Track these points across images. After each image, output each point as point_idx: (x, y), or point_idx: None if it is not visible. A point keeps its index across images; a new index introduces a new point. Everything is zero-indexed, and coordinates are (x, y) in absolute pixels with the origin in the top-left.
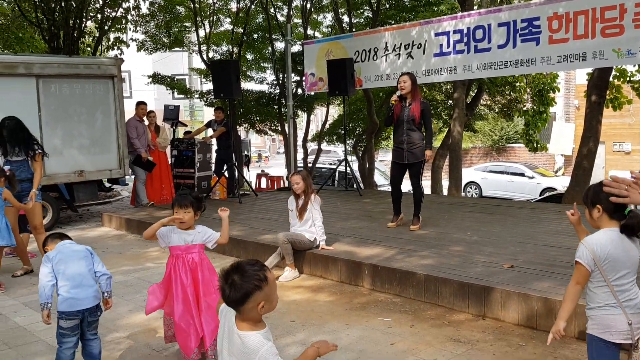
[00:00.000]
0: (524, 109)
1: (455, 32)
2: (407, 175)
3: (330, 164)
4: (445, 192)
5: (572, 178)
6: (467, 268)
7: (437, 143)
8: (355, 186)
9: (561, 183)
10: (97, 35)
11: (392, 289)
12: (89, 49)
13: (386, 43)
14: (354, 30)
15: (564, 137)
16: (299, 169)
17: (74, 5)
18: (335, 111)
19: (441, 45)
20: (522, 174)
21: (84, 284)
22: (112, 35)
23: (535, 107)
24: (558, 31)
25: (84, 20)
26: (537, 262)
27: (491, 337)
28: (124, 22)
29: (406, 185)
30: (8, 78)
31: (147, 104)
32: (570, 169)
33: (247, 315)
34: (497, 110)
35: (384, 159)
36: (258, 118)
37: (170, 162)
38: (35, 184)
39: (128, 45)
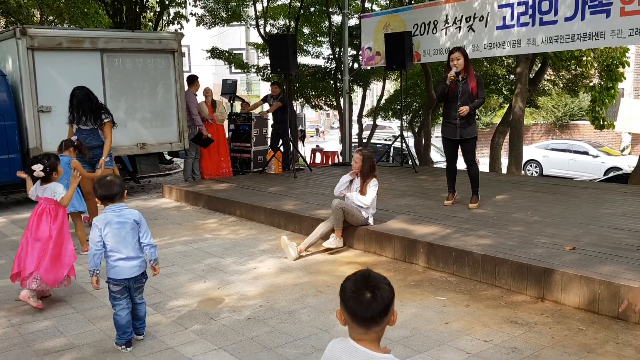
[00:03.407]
0: (591, 84)
1: (519, 3)
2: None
3: (386, 140)
4: (504, 170)
5: None
6: (527, 249)
7: (496, 119)
8: (410, 162)
9: (627, 163)
10: (158, 10)
11: (447, 267)
12: (150, 23)
13: (446, 15)
14: (413, 2)
15: (632, 114)
16: (361, 148)
17: None
18: (391, 86)
19: (504, 18)
20: (585, 153)
21: (130, 255)
22: (172, 10)
23: (602, 83)
24: (631, 2)
25: None
26: (601, 245)
27: (550, 320)
28: None
29: (461, 162)
30: (75, 52)
31: (198, 78)
32: (638, 147)
33: (379, 333)
34: (561, 85)
35: (440, 135)
36: (314, 93)
37: (227, 136)
38: (105, 151)
39: (188, 20)
